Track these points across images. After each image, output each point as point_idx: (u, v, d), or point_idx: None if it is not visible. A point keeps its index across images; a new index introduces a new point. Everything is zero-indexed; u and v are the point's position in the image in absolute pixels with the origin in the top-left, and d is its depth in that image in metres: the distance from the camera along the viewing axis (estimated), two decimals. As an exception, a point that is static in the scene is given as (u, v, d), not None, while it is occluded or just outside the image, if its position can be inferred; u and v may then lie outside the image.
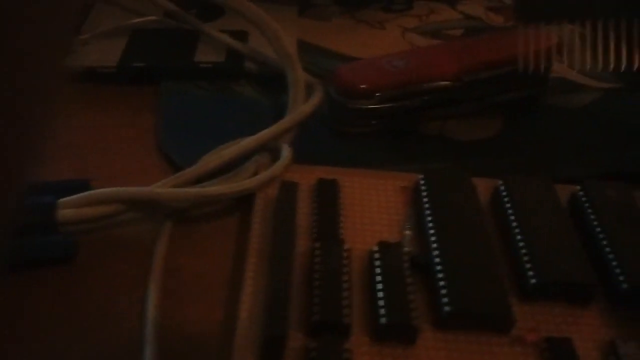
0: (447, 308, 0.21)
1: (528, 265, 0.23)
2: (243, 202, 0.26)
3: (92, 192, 0.24)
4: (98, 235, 0.25)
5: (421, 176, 0.26)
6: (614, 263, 0.23)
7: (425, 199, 0.25)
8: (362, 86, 0.30)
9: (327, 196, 0.25)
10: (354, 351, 0.20)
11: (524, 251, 0.23)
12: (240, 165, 0.27)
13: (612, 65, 0.33)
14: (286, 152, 0.26)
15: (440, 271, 0.22)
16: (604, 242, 0.24)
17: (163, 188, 0.24)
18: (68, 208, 0.24)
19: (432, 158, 0.30)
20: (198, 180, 0.26)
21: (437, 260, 0.23)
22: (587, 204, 0.26)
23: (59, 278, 0.24)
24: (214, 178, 0.27)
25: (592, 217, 0.25)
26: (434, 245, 0.23)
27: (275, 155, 0.27)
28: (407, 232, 0.25)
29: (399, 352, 0.21)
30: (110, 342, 0.22)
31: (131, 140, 0.30)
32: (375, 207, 0.26)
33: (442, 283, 0.22)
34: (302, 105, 0.29)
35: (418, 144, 0.31)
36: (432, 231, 0.24)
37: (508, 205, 0.25)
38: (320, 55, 0.37)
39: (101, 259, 0.24)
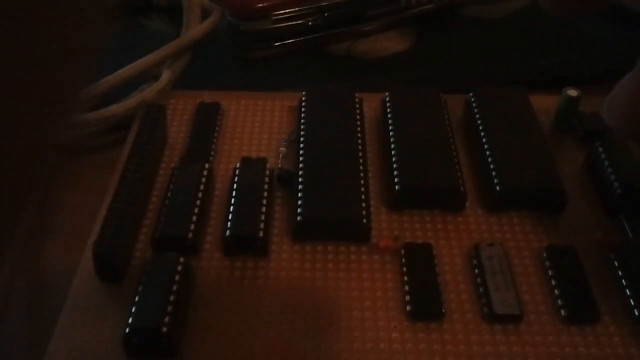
0: (299, 218, 0.21)
1: (395, 173, 0.22)
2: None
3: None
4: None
5: (303, 93, 0.25)
6: (492, 167, 0.22)
7: (303, 115, 0.24)
8: (257, 5, 0.29)
9: (205, 119, 0.25)
10: (200, 265, 0.20)
11: (394, 159, 0.22)
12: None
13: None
14: (165, 77, 0.26)
15: (300, 183, 0.21)
16: (486, 147, 0.23)
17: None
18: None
19: (339, 78, 0.29)
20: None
21: (300, 173, 0.22)
22: (476, 110, 0.25)
23: None
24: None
25: (479, 122, 0.24)
26: (301, 159, 0.22)
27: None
28: (282, 148, 0.24)
29: (250, 265, 0.20)
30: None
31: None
32: (258, 128, 0.25)
33: (299, 195, 0.21)
34: (191, 31, 0.28)
35: (324, 65, 0.30)
36: (302, 145, 0.23)
37: (390, 116, 0.24)
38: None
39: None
